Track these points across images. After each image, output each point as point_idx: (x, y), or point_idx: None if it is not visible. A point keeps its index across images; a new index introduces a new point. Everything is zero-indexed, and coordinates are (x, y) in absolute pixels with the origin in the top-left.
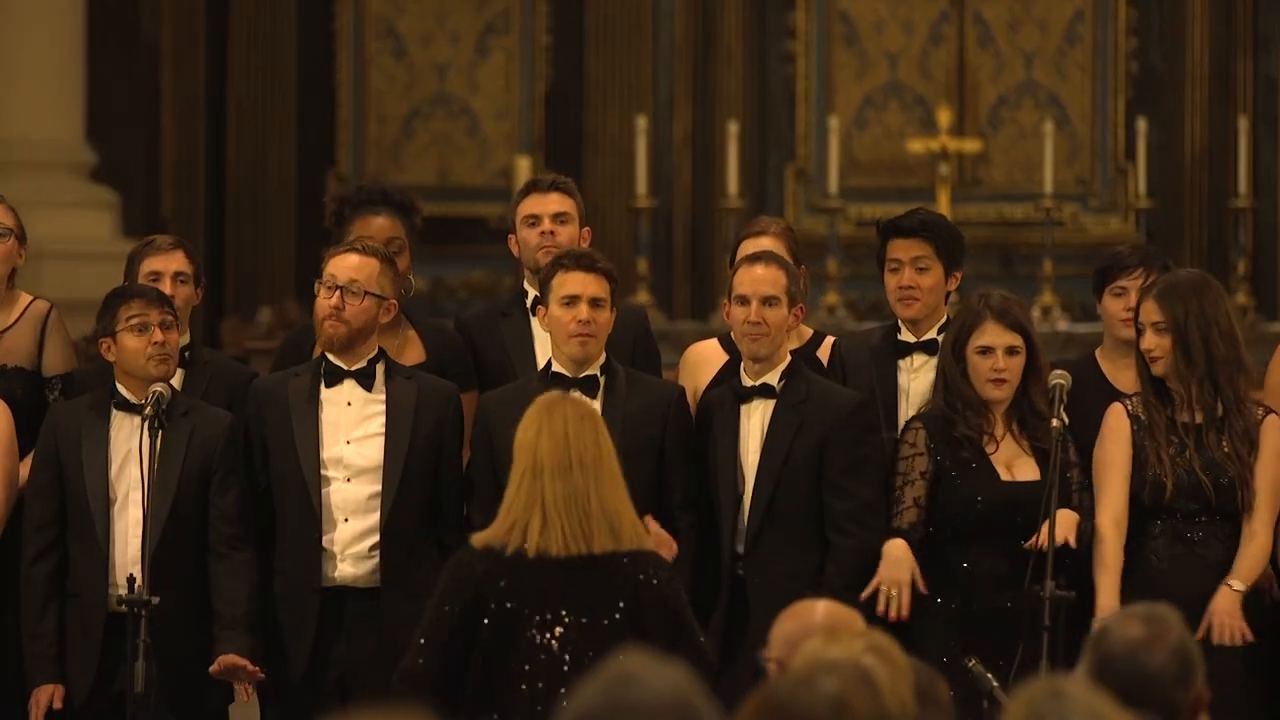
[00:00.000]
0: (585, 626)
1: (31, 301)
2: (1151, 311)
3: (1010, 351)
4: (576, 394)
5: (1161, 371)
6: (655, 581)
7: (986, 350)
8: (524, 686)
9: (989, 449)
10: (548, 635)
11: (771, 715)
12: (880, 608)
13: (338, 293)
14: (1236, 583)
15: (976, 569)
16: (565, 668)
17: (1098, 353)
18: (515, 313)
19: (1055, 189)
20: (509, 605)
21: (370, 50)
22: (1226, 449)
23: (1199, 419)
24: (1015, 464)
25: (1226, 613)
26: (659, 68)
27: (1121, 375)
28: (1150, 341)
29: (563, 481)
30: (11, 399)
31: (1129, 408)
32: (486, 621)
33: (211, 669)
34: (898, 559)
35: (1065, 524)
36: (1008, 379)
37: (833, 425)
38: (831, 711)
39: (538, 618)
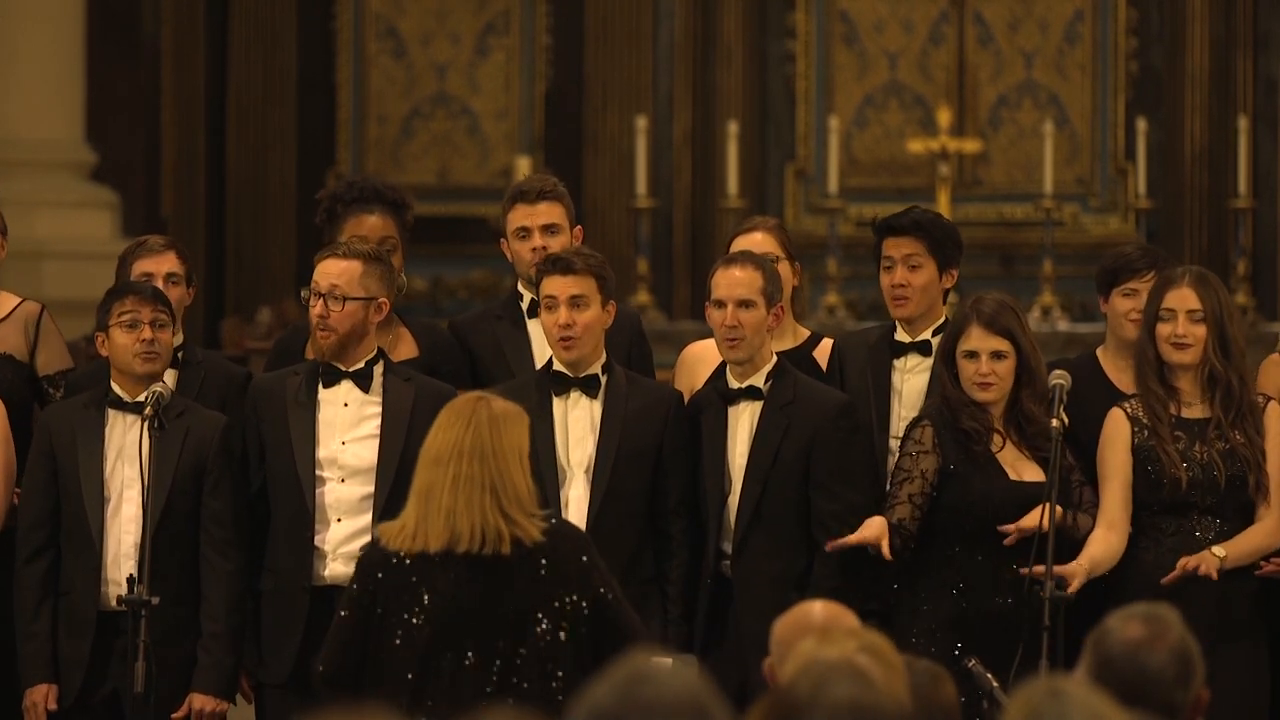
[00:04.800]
0: (431, 621)
1: (21, 302)
2: (1188, 299)
3: (995, 356)
4: (578, 394)
5: (1189, 360)
6: (544, 572)
7: (972, 355)
8: (393, 681)
9: (995, 449)
10: (410, 626)
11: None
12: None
13: (321, 301)
14: (1220, 550)
15: (978, 569)
16: (428, 658)
17: (1099, 352)
18: (510, 315)
19: (1055, 189)
20: (378, 601)
21: (370, 50)
22: (1240, 438)
23: (1203, 413)
24: (1019, 466)
25: (1198, 560)
26: (659, 68)
27: (1125, 376)
28: (1184, 328)
29: (440, 471)
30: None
31: (1128, 410)
32: (368, 617)
33: (176, 715)
34: (871, 522)
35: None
36: (994, 383)
37: (820, 426)
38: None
39: (403, 613)
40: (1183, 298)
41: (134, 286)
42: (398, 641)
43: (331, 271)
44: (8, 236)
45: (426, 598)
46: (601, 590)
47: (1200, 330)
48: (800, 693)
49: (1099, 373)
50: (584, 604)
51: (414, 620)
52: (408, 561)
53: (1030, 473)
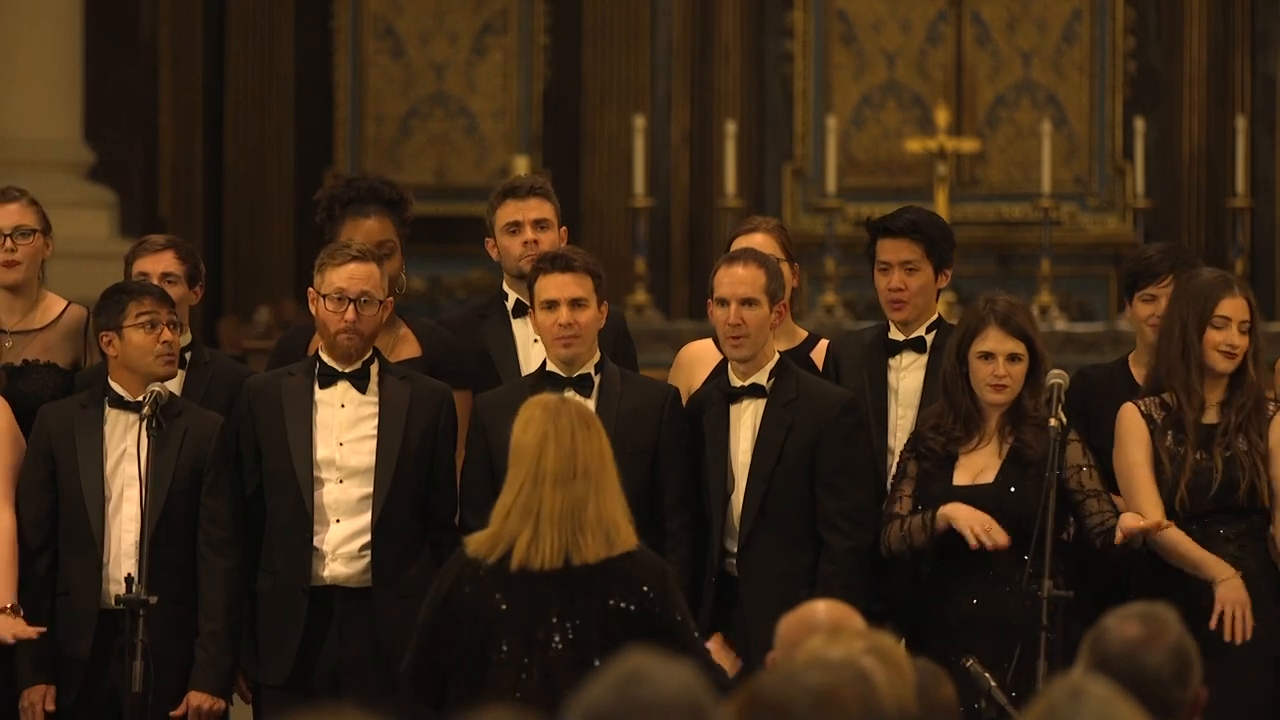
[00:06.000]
0: (564, 636)
1: (67, 306)
2: (1243, 310)
3: (1012, 358)
4: (572, 394)
5: (1232, 369)
6: (646, 588)
7: (988, 356)
8: (499, 696)
9: (965, 455)
10: (523, 647)
11: (755, 708)
12: (974, 543)
13: (352, 305)
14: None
15: (940, 573)
16: (539, 677)
17: (1130, 358)
18: (495, 315)
19: (1053, 188)
20: (483, 617)
21: (368, 50)
22: (1244, 446)
23: (1212, 418)
24: (986, 470)
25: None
26: (657, 67)
27: None
28: (1236, 338)
29: (563, 492)
30: (42, 395)
31: (1141, 408)
32: (463, 631)
33: (174, 712)
34: (968, 512)
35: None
36: (1008, 385)
37: (824, 424)
38: (812, 704)
39: (512, 631)
40: (1239, 308)
41: (146, 286)
42: (509, 653)
43: (359, 275)
44: (51, 234)
45: (542, 619)
46: (667, 613)
47: (1245, 341)
48: (771, 683)
49: (1130, 380)
50: (647, 601)
51: (523, 633)
52: (515, 575)
53: (991, 476)
